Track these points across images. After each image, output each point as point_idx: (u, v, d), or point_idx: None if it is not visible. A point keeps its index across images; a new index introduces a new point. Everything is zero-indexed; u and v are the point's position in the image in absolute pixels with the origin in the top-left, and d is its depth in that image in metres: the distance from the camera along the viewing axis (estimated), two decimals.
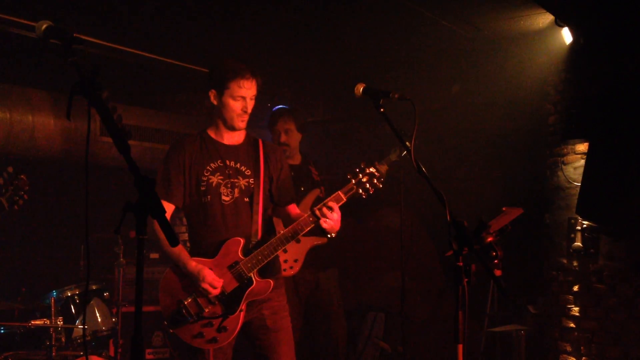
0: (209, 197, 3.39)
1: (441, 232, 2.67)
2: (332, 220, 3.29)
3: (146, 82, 6.86)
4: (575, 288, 5.37)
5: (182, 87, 7.40)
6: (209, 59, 6.50)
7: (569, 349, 5.37)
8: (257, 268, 3.33)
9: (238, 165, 3.45)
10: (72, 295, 4.60)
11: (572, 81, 5.45)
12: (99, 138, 5.72)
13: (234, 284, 3.33)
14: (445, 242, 2.38)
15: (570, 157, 5.46)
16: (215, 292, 3.27)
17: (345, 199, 3.34)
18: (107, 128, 1.94)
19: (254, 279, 3.34)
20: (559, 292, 5.48)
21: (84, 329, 4.15)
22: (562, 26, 5.31)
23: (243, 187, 3.43)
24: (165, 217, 1.85)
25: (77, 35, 2.06)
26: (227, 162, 3.44)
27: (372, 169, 3.40)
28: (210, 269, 3.30)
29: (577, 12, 5.07)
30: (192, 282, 3.32)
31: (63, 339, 4.12)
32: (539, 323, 5.60)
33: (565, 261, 5.43)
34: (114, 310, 4.98)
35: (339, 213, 3.32)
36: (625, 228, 5.12)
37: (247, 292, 3.34)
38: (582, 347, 5.30)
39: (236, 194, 3.41)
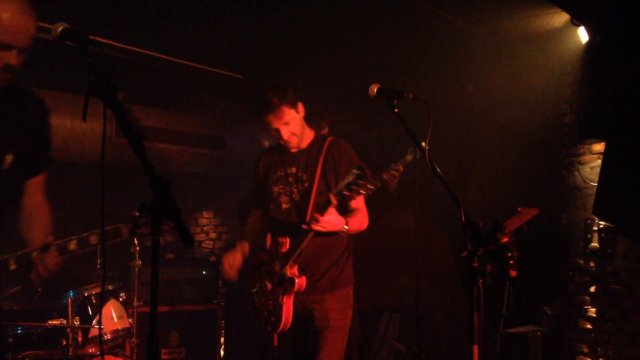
0: (272, 205, 3.61)
1: (456, 232, 2.66)
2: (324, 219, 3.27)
3: (161, 83, 6.89)
4: (592, 289, 5.33)
5: (197, 89, 7.43)
6: (224, 61, 6.56)
7: (585, 350, 5.34)
8: (289, 263, 3.41)
9: (299, 173, 3.56)
10: (89, 296, 4.62)
11: (588, 81, 5.42)
12: (115, 139, 5.75)
13: (276, 279, 3.50)
14: (460, 242, 2.37)
15: (587, 157, 5.42)
16: (229, 272, 3.68)
17: (335, 202, 3.25)
18: (123, 129, 1.95)
19: (286, 275, 3.43)
20: (576, 293, 5.45)
21: (100, 328, 4.17)
22: (578, 25, 5.28)
23: (301, 193, 3.53)
24: (180, 218, 1.84)
25: (93, 37, 2.07)
26: (288, 170, 3.59)
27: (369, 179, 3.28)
28: (265, 262, 3.57)
29: (593, 11, 5.03)
30: (257, 272, 3.64)
31: (80, 339, 4.15)
32: (556, 324, 5.57)
33: (581, 262, 5.40)
34: (130, 311, 5.01)
35: (334, 214, 3.29)
36: None
37: (283, 287, 3.45)
38: (598, 349, 5.26)
39: (296, 200, 3.54)
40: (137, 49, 5.90)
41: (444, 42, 5.75)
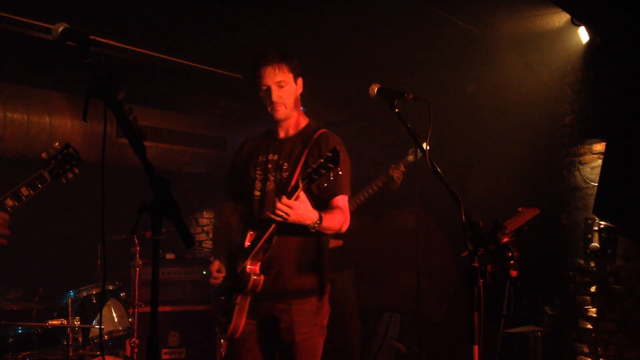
0: (247, 191, 3.37)
1: (456, 232, 2.66)
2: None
3: (162, 83, 6.89)
4: (593, 289, 5.33)
5: (197, 89, 7.43)
6: (225, 61, 6.56)
7: (586, 350, 5.33)
8: (249, 258, 3.16)
9: (280, 161, 3.30)
10: (89, 296, 4.63)
11: (589, 81, 5.41)
12: (115, 139, 5.75)
13: (236, 276, 3.25)
14: (460, 242, 2.37)
15: (587, 157, 5.42)
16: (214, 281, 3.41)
17: (301, 186, 2.94)
18: (123, 129, 1.95)
19: (245, 270, 3.17)
20: (576, 293, 5.44)
21: (100, 329, 4.17)
22: (579, 25, 5.27)
23: (277, 181, 3.27)
24: (181, 218, 1.84)
25: (93, 37, 2.07)
26: (270, 157, 3.33)
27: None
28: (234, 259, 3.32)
29: (593, 11, 5.03)
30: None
31: (80, 339, 4.15)
32: (556, 324, 5.56)
33: (582, 262, 5.39)
34: (130, 311, 5.01)
35: (305, 203, 2.99)
36: None
37: (239, 284, 3.21)
38: (599, 349, 5.25)
39: (267, 188, 3.28)
40: (137, 49, 5.90)
41: (444, 42, 5.74)
